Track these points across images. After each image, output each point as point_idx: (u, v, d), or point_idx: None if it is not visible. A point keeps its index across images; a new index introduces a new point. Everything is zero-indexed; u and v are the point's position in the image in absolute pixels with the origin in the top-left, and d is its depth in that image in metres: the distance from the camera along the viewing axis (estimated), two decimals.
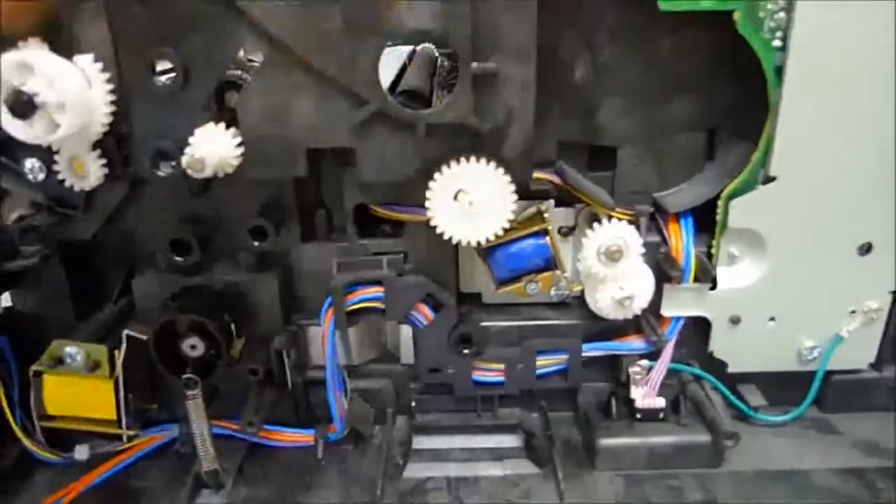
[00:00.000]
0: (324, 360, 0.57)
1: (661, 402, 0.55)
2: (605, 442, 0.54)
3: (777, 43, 0.48)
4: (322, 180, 0.55)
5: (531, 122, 0.49)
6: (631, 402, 0.56)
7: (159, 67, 0.48)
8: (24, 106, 0.44)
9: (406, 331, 0.58)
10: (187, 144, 0.48)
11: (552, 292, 0.58)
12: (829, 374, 0.58)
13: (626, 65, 0.52)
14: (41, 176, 0.50)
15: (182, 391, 0.52)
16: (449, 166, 0.49)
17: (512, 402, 0.60)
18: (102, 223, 0.54)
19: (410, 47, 0.63)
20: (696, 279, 0.54)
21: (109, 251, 0.57)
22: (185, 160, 0.46)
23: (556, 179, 0.55)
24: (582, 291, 0.57)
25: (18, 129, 0.46)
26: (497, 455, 0.57)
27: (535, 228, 0.54)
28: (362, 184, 0.53)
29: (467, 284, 0.59)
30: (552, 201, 0.56)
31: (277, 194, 0.54)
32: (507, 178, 0.49)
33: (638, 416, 0.55)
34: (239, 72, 0.50)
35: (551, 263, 0.55)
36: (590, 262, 0.52)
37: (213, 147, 0.47)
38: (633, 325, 0.57)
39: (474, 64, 0.46)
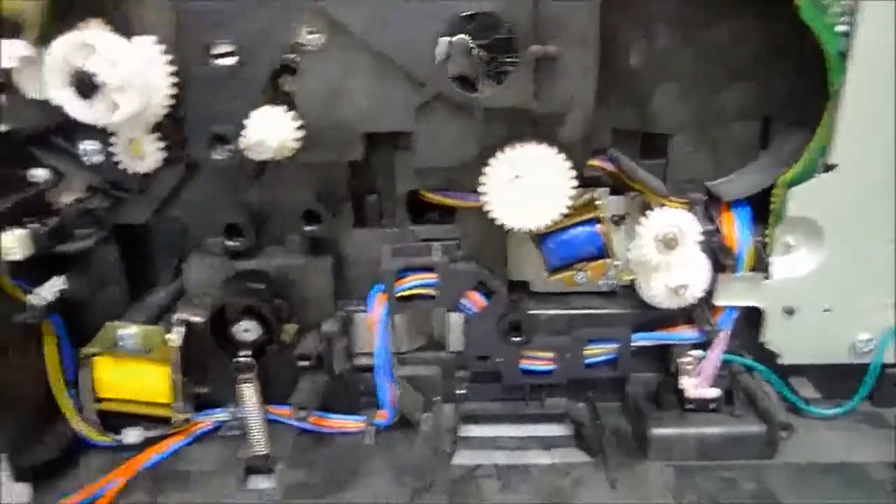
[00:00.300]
0: (370, 347, 0.58)
1: (714, 392, 0.54)
2: (657, 432, 0.53)
3: (842, 28, 0.47)
4: (373, 165, 0.55)
5: (591, 108, 0.49)
6: (681, 392, 0.55)
7: (217, 50, 0.48)
8: (86, 86, 0.44)
9: (455, 318, 0.58)
10: (243, 128, 0.48)
11: (600, 281, 0.58)
12: (882, 367, 0.57)
13: (682, 51, 0.52)
14: (98, 158, 0.50)
15: (235, 375, 0.52)
16: (506, 150, 0.49)
17: (558, 392, 0.60)
18: (157, 207, 0.54)
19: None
20: (751, 268, 0.54)
21: (160, 235, 0.58)
22: (245, 142, 0.46)
23: (610, 167, 0.55)
24: (632, 280, 0.56)
25: (79, 110, 0.46)
26: (546, 444, 0.57)
27: (588, 216, 0.54)
28: (417, 169, 0.52)
29: (515, 272, 0.59)
30: (606, 189, 0.56)
31: (329, 179, 0.54)
32: (568, 163, 0.49)
33: (689, 406, 0.55)
34: (294, 55, 0.50)
35: (603, 251, 0.54)
36: (645, 250, 0.52)
37: (272, 130, 0.47)
38: (683, 315, 0.57)
39: (535, 46, 0.46)
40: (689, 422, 0.54)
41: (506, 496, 0.51)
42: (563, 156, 0.49)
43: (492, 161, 0.49)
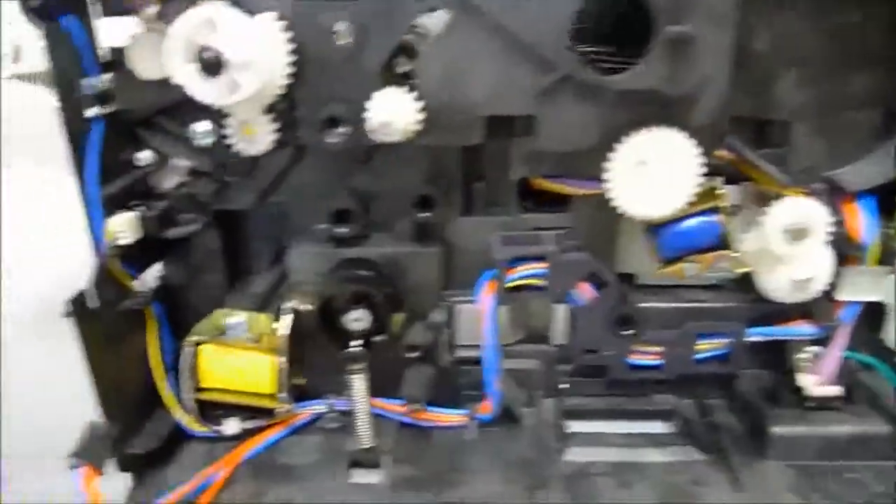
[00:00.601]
0: (470, 340, 0.56)
1: (836, 390, 0.52)
2: (778, 430, 0.52)
3: None
4: (485, 151, 0.53)
5: (725, 90, 0.47)
6: (799, 389, 0.53)
7: (335, 30, 0.47)
8: (211, 63, 0.42)
9: (560, 311, 0.56)
10: (360, 110, 0.47)
11: (710, 274, 0.56)
12: None
13: (809, 35, 0.50)
14: (209, 141, 0.49)
15: (342, 365, 0.50)
16: (634, 135, 0.47)
17: (662, 388, 0.58)
18: (262, 192, 0.52)
19: None
20: (876, 262, 0.52)
21: (256, 221, 0.56)
22: (371, 124, 0.45)
23: (729, 155, 0.53)
24: (744, 273, 0.54)
25: (200, 89, 0.44)
26: (657, 441, 0.55)
27: (708, 205, 0.52)
28: (534, 154, 0.50)
29: (620, 264, 0.57)
30: (722, 178, 0.53)
31: (440, 165, 0.52)
32: (697, 149, 0.47)
33: (810, 404, 0.53)
34: (413, 36, 0.49)
35: (721, 243, 0.52)
36: (771, 241, 0.50)
37: (397, 112, 0.45)
38: (797, 310, 0.55)
39: (672, 27, 0.44)
40: (810, 420, 0.52)
41: (624, 494, 0.49)
42: (692, 141, 0.47)
43: (618, 146, 0.47)
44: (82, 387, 0.53)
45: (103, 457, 0.45)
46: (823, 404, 0.53)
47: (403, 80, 0.48)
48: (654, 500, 0.48)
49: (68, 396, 0.58)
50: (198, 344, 0.51)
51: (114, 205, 0.48)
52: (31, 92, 0.52)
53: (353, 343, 0.50)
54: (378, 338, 0.51)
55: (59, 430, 0.55)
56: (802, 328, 0.54)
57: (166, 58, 0.43)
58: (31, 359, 0.72)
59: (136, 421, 0.52)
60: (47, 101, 0.50)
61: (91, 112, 0.46)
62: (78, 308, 0.45)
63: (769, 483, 0.50)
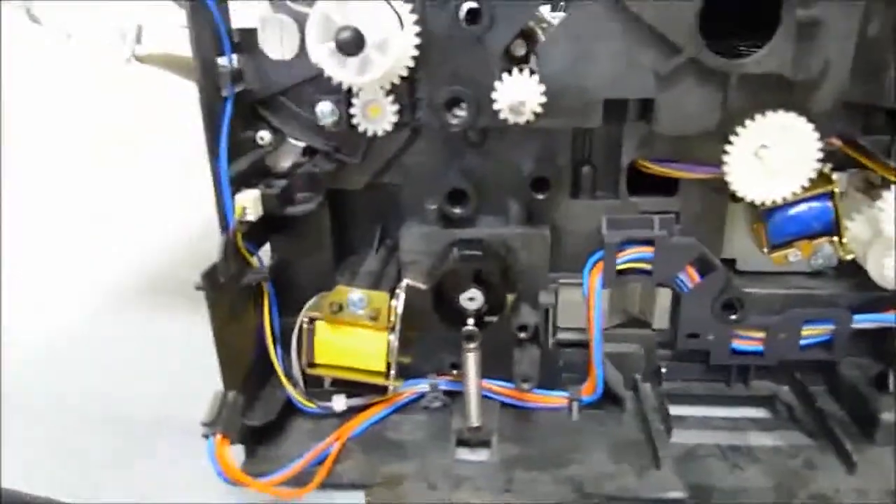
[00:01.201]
0: (572, 322, 0.57)
1: None
2: (888, 416, 0.52)
3: None
4: (596, 134, 0.53)
5: (847, 76, 0.47)
6: None
7: (462, 12, 0.48)
8: (350, 42, 0.43)
9: (661, 295, 0.57)
10: (480, 92, 0.47)
11: (812, 262, 0.56)
12: None
13: None
14: (331, 120, 0.49)
15: (459, 343, 0.51)
16: (754, 119, 0.48)
17: (760, 374, 0.58)
18: (375, 173, 0.53)
19: None
20: None
21: (364, 200, 0.57)
22: (504, 103, 0.46)
23: (837, 141, 0.53)
24: (851, 259, 0.54)
25: (335, 68, 0.45)
26: (762, 425, 0.55)
27: (821, 190, 0.52)
28: (649, 137, 0.51)
29: (724, 250, 0.57)
30: (830, 164, 0.54)
31: (549, 148, 0.53)
32: (816, 133, 0.47)
33: None
34: (531, 21, 0.49)
35: (832, 228, 0.53)
36: (886, 225, 0.50)
37: (526, 92, 0.46)
38: None
39: (801, 10, 0.44)
40: None
41: (738, 476, 0.49)
42: (811, 125, 0.48)
43: (740, 129, 0.48)
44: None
45: (235, 425, 0.46)
46: None
47: (521, 63, 0.49)
48: (770, 483, 0.49)
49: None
50: (313, 320, 0.52)
51: (239, 183, 0.50)
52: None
53: (465, 322, 0.50)
54: (490, 318, 0.52)
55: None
56: None
57: (307, 36, 0.44)
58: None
59: (251, 394, 0.53)
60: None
61: (226, 91, 0.47)
62: (210, 282, 0.46)
63: (883, 467, 0.50)
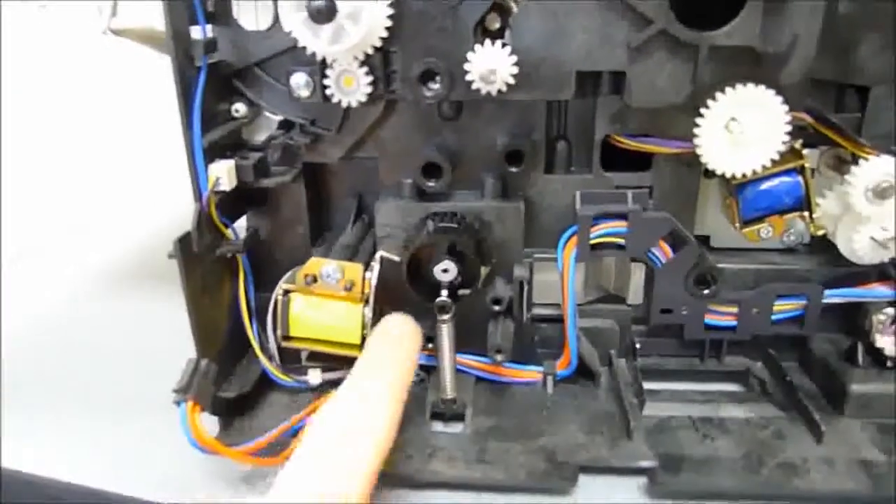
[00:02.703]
0: (546, 298, 0.58)
1: None
2: (857, 388, 0.52)
3: None
4: (571, 108, 0.54)
5: (814, 49, 0.47)
6: (875, 350, 0.54)
7: None
8: (325, 11, 0.44)
9: (636, 270, 0.57)
10: (454, 65, 0.48)
11: (784, 238, 0.57)
12: None
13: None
14: (306, 93, 0.50)
15: (426, 317, 0.51)
16: (724, 92, 0.48)
17: (734, 350, 0.59)
18: (351, 146, 0.54)
19: None
20: None
21: (339, 174, 0.58)
22: (476, 73, 0.46)
23: (808, 117, 0.53)
24: (822, 236, 0.55)
25: (308, 38, 0.46)
26: (736, 398, 0.56)
27: (791, 165, 0.52)
28: (622, 112, 0.52)
29: (697, 226, 0.58)
30: (800, 141, 0.54)
31: (524, 123, 0.53)
32: (785, 106, 0.48)
33: (888, 364, 0.53)
34: None
35: (803, 204, 0.53)
36: (855, 200, 0.50)
37: (494, 63, 0.46)
38: (875, 272, 0.55)
39: None
40: (890, 379, 0.53)
41: (708, 446, 0.50)
42: (780, 98, 0.48)
43: (710, 102, 0.48)
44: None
45: (207, 392, 0.46)
46: None
47: (495, 36, 0.49)
48: (739, 452, 0.49)
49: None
50: (287, 292, 0.52)
51: (214, 155, 0.50)
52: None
53: (439, 293, 0.51)
54: (463, 291, 0.52)
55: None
56: (881, 290, 0.55)
57: (279, 5, 0.45)
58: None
59: (226, 367, 0.53)
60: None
61: (199, 62, 0.47)
62: (183, 250, 0.47)
63: (851, 437, 0.51)
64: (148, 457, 0.52)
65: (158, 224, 0.92)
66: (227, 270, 0.54)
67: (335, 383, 0.55)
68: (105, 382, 0.62)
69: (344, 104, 0.50)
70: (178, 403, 0.45)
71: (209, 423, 0.52)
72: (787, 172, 0.53)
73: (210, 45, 0.48)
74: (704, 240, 0.58)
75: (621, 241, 0.54)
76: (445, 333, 0.51)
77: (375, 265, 0.51)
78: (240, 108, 0.52)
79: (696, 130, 0.49)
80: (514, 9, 0.50)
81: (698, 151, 0.50)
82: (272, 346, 0.55)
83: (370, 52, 0.48)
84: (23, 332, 0.72)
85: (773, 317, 0.56)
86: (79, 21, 0.54)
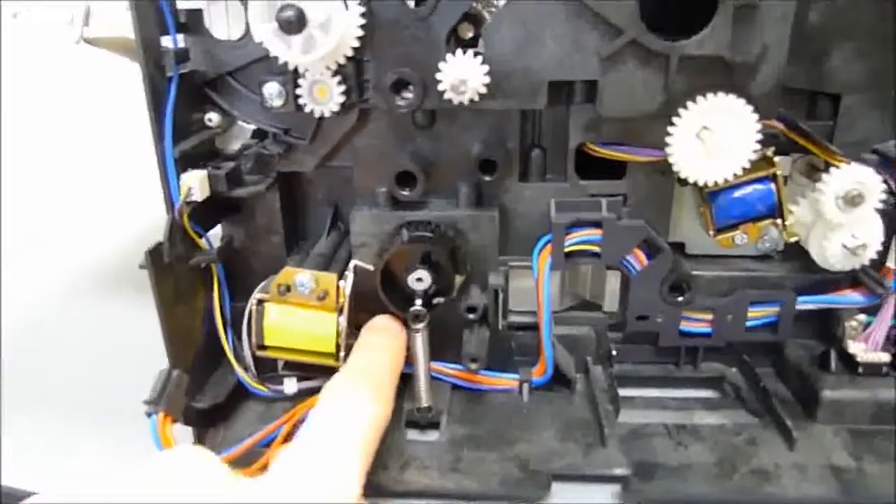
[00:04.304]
0: (522, 305, 0.58)
1: (885, 357, 0.53)
2: (829, 394, 0.53)
3: None
4: (544, 117, 0.54)
5: (784, 59, 0.48)
6: (847, 356, 0.54)
7: None
8: (295, 21, 0.44)
9: (612, 278, 0.57)
10: (427, 74, 0.48)
11: (758, 245, 0.57)
12: None
13: (861, 9, 0.51)
14: (279, 102, 0.49)
15: (409, 324, 0.51)
16: (695, 101, 0.48)
17: (709, 356, 0.59)
18: (325, 155, 0.54)
19: None
20: None
21: (313, 184, 0.58)
22: (447, 83, 0.46)
23: (780, 125, 0.54)
24: (796, 242, 0.55)
25: (279, 47, 0.46)
26: (710, 405, 0.56)
27: (763, 173, 0.53)
28: (595, 121, 0.52)
29: (672, 233, 0.58)
30: (772, 148, 0.55)
31: (499, 130, 0.53)
32: (755, 116, 0.48)
33: (860, 370, 0.54)
34: (478, 4, 0.50)
35: (774, 211, 0.54)
36: (826, 208, 0.51)
37: (470, 72, 0.46)
38: (846, 279, 0.56)
39: None
40: (861, 385, 0.53)
41: (682, 453, 0.50)
42: (750, 108, 0.49)
43: (682, 111, 0.48)
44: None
45: (179, 404, 0.46)
46: (874, 371, 0.54)
47: (468, 46, 0.50)
48: (712, 459, 0.49)
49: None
50: (261, 302, 0.52)
51: (186, 164, 0.49)
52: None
53: (413, 302, 0.51)
54: (438, 299, 0.52)
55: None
56: (852, 296, 0.55)
57: (250, 14, 0.44)
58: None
59: (200, 377, 0.53)
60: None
61: (170, 71, 0.47)
62: (154, 260, 0.46)
63: (823, 443, 0.51)
64: (126, 463, 0.52)
65: (140, 228, 0.92)
66: (202, 279, 0.53)
67: (311, 392, 0.56)
68: (88, 387, 0.62)
69: (317, 114, 0.50)
70: (149, 415, 0.45)
71: (184, 434, 0.52)
72: (759, 180, 0.53)
73: (182, 55, 0.48)
74: (679, 247, 0.58)
75: (596, 248, 0.54)
76: (420, 342, 0.51)
77: (349, 274, 0.51)
78: (213, 118, 0.52)
79: (668, 139, 0.49)
80: (487, 18, 0.50)
81: (671, 160, 0.50)
82: (247, 355, 0.55)
83: (342, 61, 0.48)
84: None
85: (748, 323, 0.56)
86: (52, 30, 0.53)
